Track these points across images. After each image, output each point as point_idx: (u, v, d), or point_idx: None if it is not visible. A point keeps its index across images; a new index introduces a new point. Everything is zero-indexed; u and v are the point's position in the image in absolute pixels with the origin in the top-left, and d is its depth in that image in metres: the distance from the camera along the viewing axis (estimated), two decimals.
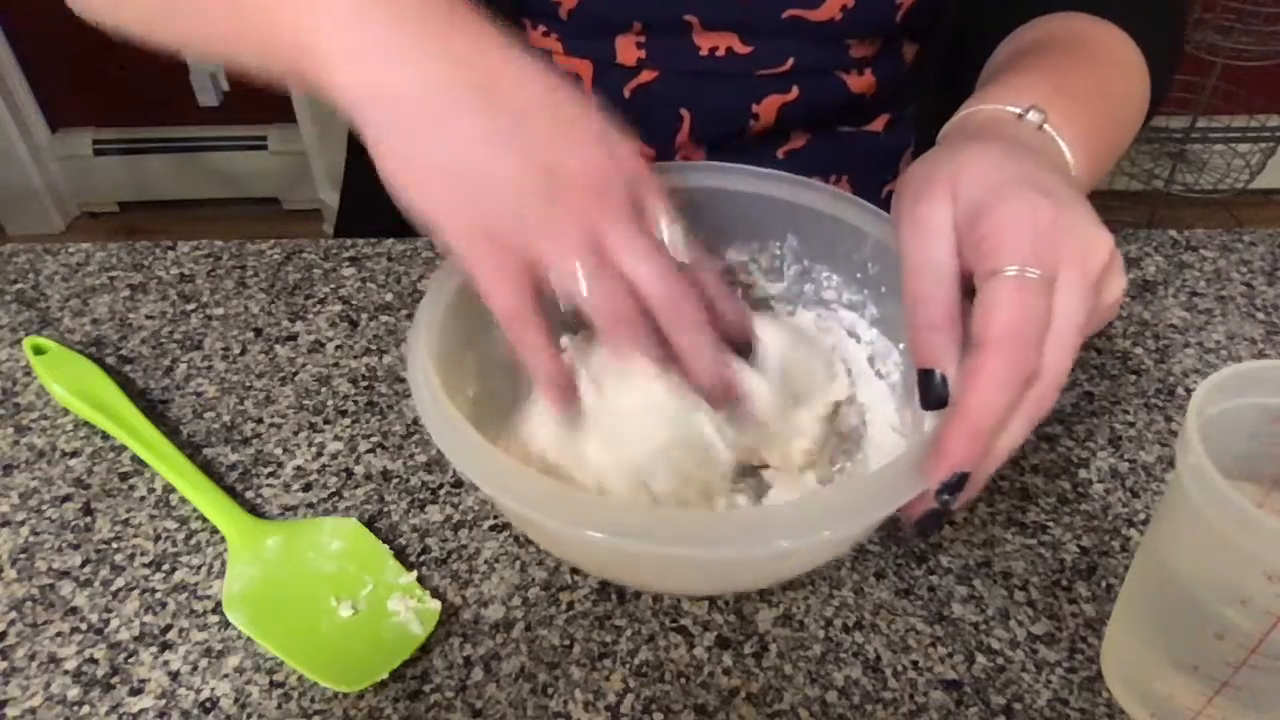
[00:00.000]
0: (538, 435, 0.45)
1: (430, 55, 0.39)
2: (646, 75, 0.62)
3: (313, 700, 0.41)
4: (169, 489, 0.50)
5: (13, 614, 0.45)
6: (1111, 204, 1.91)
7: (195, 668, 0.42)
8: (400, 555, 0.47)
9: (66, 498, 0.50)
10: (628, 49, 0.61)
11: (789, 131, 0.66)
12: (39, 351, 0.56)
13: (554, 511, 0.37)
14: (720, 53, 0.61)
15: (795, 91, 0.63)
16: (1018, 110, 0.43)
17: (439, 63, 0.39)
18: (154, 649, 0.43)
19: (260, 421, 0.54)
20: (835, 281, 0.52)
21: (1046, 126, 0.42)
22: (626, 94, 0.62)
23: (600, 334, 0.40)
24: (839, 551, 0.45)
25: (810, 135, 0.67)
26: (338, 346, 0.59)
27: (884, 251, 0.49)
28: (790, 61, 0.61)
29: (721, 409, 0.43)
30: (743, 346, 0.45)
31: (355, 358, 0.58)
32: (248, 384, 0.56)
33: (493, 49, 0.40)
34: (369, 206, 0.78)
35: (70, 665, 0.43)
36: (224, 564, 0.46)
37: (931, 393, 0.38)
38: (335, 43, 0.39)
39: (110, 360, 0.58)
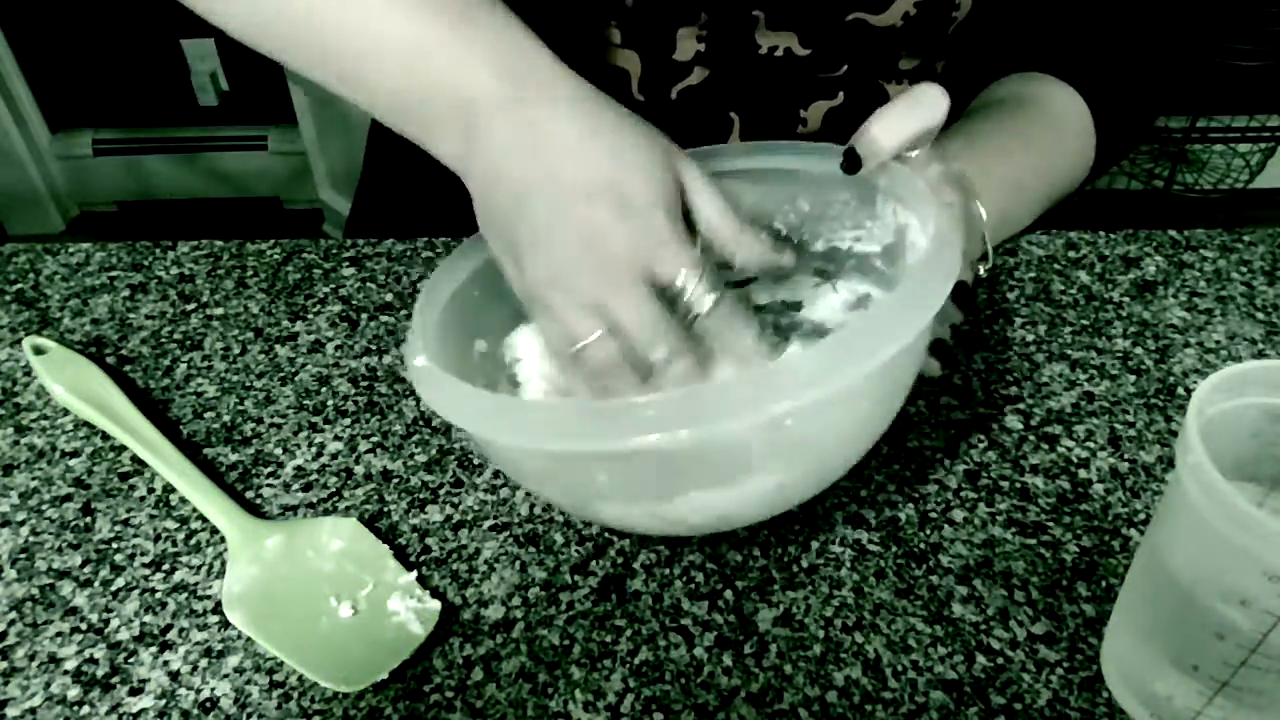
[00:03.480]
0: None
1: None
2: (697, 75, 0.62)
3: (313, 700, 0.41)
4: (169, 489, 0.50)
5: (13, 614, 0.45)
6: (1112, 204, 1.91)
7: (195, 668, 0.42)
8: (400, 555, 0.47)
9: (66, 498, 0.50)
10: (686, 43, 0.61)
11: (823, 136, 0.67)
12: (39, 351, 0.56)
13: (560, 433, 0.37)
14: (779, 53, 0.61)
15: (841, 98, 0.64)
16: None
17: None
18: (154, 649, 0.43)
19: (260, 421, 0.54)
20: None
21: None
22: (673, 95, 0.62)
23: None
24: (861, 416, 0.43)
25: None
26: (338, 346, 0.59)
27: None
28: (845, 68, 0.63)
29: None
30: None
31: (355, 358, 0.58)
32: (248, 384, 0.56)
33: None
34: (382, 214, 0.78)
35: (70, 665, 0.43)
36: (224, 564, 0.46)
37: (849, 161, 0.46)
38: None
39: (110, 360, 0.58)
